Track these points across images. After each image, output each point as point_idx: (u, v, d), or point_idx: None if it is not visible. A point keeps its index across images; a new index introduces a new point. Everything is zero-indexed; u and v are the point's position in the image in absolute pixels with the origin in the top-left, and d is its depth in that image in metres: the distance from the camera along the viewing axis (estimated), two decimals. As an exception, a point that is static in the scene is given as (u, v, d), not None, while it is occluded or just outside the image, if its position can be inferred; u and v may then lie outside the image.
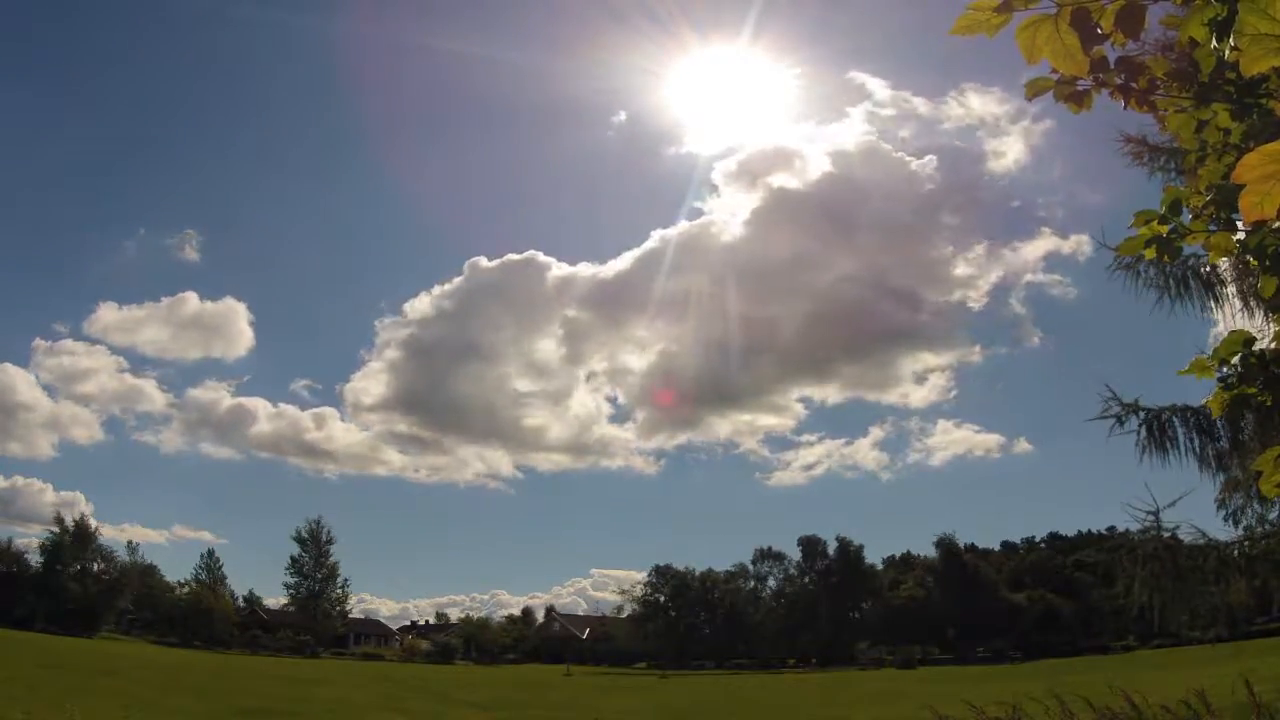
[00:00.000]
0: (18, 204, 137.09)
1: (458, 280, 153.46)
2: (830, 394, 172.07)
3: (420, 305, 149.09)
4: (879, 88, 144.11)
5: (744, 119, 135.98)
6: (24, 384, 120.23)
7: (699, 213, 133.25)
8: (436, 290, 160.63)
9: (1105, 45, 2.69)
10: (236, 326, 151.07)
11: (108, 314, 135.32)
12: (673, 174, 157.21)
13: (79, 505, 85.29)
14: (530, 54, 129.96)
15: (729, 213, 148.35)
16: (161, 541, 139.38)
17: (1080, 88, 2.98)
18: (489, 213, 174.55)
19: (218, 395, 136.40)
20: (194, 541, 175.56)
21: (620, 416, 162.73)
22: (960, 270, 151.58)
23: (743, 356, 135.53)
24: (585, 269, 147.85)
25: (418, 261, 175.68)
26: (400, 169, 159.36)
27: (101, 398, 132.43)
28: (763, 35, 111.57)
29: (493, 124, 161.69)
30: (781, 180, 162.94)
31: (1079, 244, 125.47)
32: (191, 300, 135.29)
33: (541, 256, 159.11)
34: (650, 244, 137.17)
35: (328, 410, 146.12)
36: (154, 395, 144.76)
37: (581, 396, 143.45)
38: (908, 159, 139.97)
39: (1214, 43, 2.75)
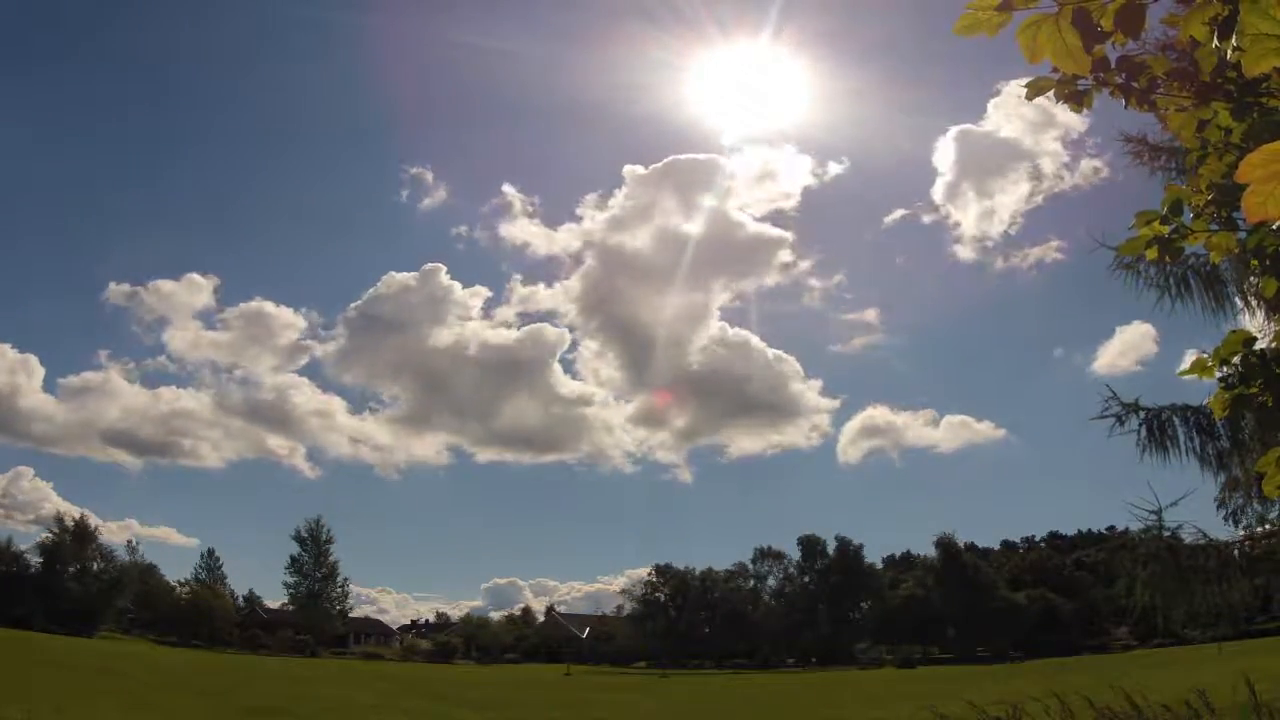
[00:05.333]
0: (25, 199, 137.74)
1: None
2: (833, 390, 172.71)
3: (454, 309, 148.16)
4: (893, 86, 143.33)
5: (765, 115, 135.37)
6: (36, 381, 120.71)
7: (715, 210, 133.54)
8: (468, 295, 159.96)
9: (1106, 44, 2.69)
10: (246, 319, 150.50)
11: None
12: (692, 172, 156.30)
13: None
14: (550, 48, 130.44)
15: (740, 210, 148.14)
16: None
17: (1081, 87, 2.97)
18: (499, 207, 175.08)
19: (223, 391, 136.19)
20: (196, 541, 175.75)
21: (623, 416, 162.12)
22: (970, 255, 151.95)
23: (751, 353, 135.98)
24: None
25: (428, 256, 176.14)
26: (419, 162, 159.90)
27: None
28: (785, 30, 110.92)
29: (509, 118, 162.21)
30: (796, 178, 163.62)
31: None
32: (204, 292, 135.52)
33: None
34: (669, 241, 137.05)
35: (336, 403, 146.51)
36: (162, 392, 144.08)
37: (584, 393, 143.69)
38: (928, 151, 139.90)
39: (1215, 42, 2.74)
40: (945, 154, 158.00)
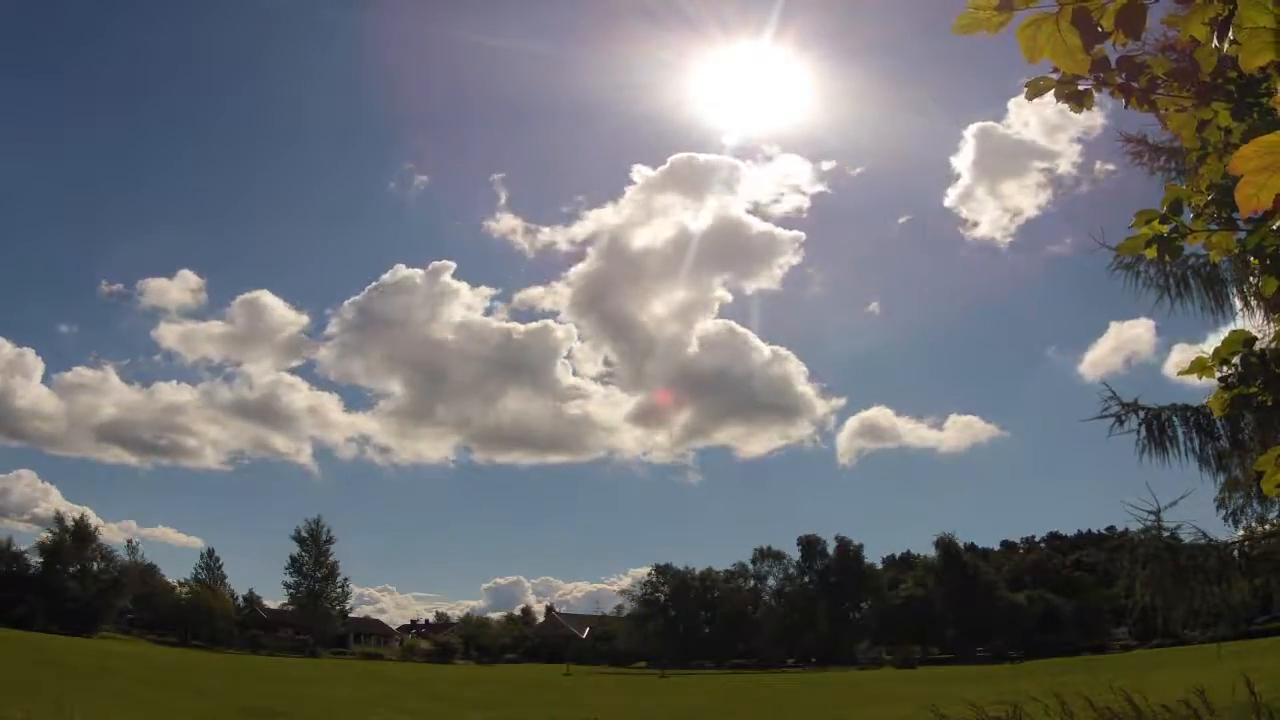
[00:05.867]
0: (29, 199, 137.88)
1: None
2: (835, 390, 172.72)
3: (456, 307, 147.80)
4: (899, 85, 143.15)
5: (767, 115, 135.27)
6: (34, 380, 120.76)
7: (718, 210, 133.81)
8: (470, 293, 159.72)
9: (1106, 44, 2.69)
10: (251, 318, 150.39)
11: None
12: (696, 171, 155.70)
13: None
14: (552, 47, 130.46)
15: (743, 209, 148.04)
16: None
17: (1081, 87, 2.98)
18: (506, 206, 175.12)
19: (222, 389, 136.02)
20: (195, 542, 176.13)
21: (624, 416, 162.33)
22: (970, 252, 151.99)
23: (752, 353, 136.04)
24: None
25: (430, 254, 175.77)
26: (421, 160, 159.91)
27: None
28: (787, 30, 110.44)
29: (511, 117, 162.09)
30: (800, 178, 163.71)
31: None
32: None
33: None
34: (671, 240, 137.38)
35: (338, 401, 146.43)
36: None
37: (585, 393, 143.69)
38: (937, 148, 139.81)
39: (1214, 41, 2.75)
40: (951, 154, 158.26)
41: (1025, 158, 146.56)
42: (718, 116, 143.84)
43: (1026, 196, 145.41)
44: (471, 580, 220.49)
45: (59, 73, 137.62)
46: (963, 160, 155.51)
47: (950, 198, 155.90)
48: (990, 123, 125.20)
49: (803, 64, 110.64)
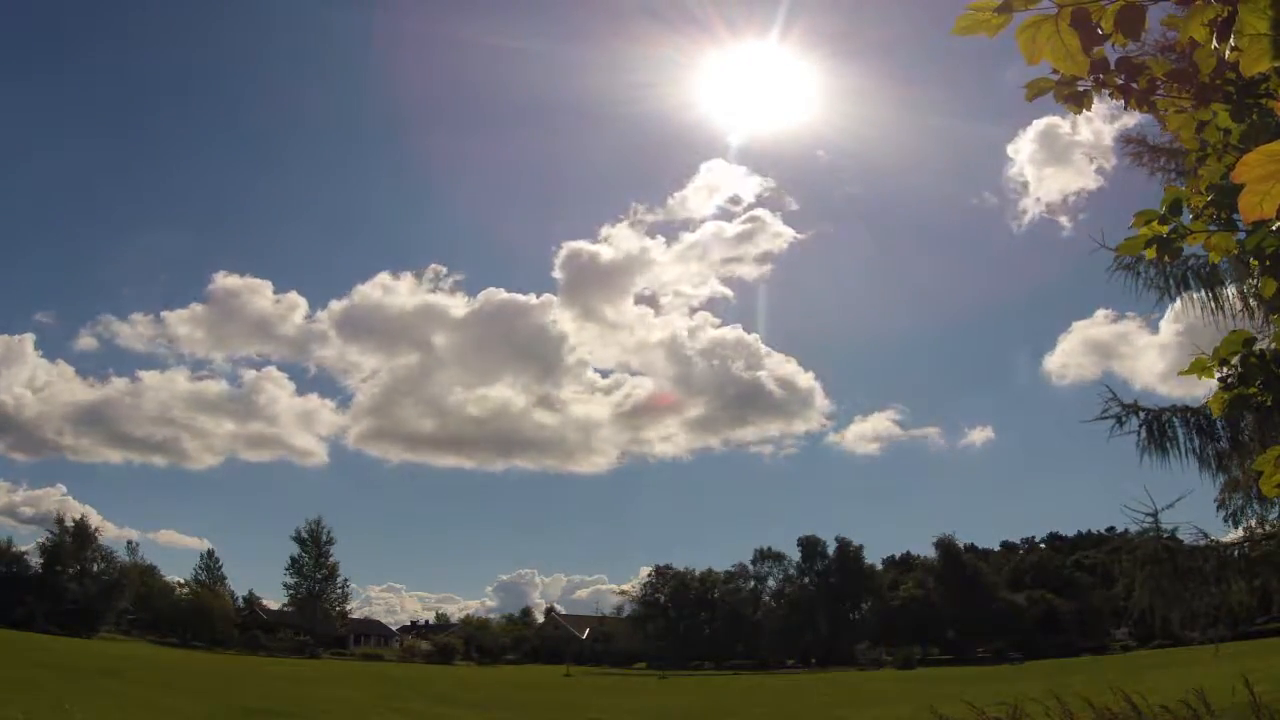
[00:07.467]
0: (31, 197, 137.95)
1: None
2: (836, 390, 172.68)
3: (458, 305, 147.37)
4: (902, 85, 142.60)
5: (773, 114, 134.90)
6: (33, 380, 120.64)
7: (718, 208, 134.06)
8: (471, 292, 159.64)
9: (1105, 46, 2.70)
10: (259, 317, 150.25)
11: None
12: (698, 170, 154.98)
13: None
14: (553, 47, 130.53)
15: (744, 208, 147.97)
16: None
17: (1080, 88, 2.98)
18: (510, 207, 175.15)
19: (226, 390, 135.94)
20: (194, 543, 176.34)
21: (624, 417, 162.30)
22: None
23: (753, 354, 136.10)
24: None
25: (439, 254, 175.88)
26: (425, 161, 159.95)
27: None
28: (793, 30, 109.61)
29: (511, 116, 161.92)
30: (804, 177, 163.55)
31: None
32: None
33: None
34: (675, 240, 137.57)
35: (346, 403, 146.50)
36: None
37: (587, 395, 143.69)
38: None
39: (1214, 43, 2.75)
40: (966, 154, 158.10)
41: (1061, 153, 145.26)
42: (724, 115, 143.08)
43: (1048, 196, 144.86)
44: (479, 580, 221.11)
45: (57, 71, 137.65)
46: (983, 159, 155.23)
47: (963, 197, 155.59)
48: (1016, 121, 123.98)
49: (808, 63, 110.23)
